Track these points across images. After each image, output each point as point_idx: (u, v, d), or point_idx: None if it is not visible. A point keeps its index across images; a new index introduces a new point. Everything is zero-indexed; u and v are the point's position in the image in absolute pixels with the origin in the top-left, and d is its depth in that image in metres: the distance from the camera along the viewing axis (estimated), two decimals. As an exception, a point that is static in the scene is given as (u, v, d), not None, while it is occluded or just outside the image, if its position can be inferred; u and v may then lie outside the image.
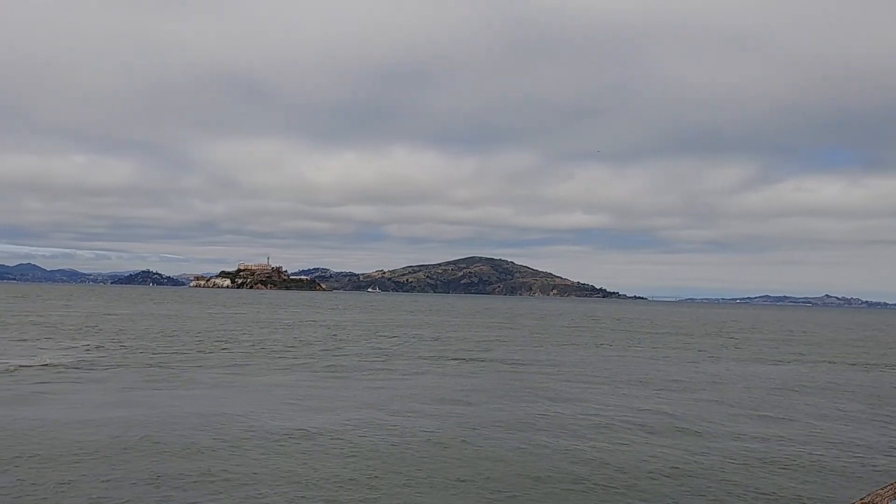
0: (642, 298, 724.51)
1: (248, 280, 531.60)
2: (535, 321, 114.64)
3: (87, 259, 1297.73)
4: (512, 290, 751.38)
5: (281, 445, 20.13)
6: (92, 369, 35.85)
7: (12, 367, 35.27)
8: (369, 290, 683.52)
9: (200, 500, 15.17)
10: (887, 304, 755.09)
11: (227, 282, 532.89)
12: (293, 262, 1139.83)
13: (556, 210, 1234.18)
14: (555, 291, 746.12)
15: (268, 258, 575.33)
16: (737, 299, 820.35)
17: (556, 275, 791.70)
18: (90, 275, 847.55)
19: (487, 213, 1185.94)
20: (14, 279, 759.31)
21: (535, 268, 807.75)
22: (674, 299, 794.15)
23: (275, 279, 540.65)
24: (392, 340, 61.94)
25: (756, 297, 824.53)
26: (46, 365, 36.76)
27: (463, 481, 17.19)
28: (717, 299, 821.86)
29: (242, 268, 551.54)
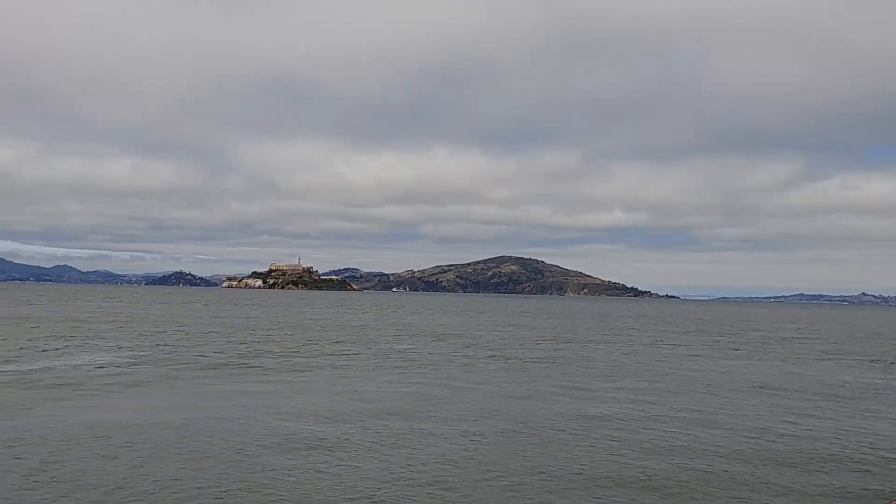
0: (674, 297, 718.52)
1: (280, 280, 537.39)
2: (565, 320, 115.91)
3: (122, 260, 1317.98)
4: (542, 290, 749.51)
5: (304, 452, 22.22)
6: (139, 370, 38.35)
7: (72, 367, 37.88)
8: (394, 289, 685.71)
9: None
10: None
11: (259, 282, 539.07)
12: (325, 262, 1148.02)
13: (593, 209, 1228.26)
14: (585, 291, 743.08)
15: (299, 258, 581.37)
16: (770, 298, 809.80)
17: (587, 274, 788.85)
18: (125, 276, 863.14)
19: (524, 212, 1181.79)
20: (51, 280, 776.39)
21: (565, 267, 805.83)
22: (706, 298, 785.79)
23: (305, 279, 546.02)
24: (425, 340, 64.06)
25: (791, 296, 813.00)
26: (111, 366, 39.30)
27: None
28: (751, 298, 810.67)
29: (274, 268, 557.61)
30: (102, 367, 37.97)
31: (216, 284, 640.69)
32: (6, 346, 47.83)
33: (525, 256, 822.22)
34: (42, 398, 28.13)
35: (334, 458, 19.70)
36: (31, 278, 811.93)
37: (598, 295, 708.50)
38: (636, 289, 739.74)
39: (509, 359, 49.21)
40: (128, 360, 42.16)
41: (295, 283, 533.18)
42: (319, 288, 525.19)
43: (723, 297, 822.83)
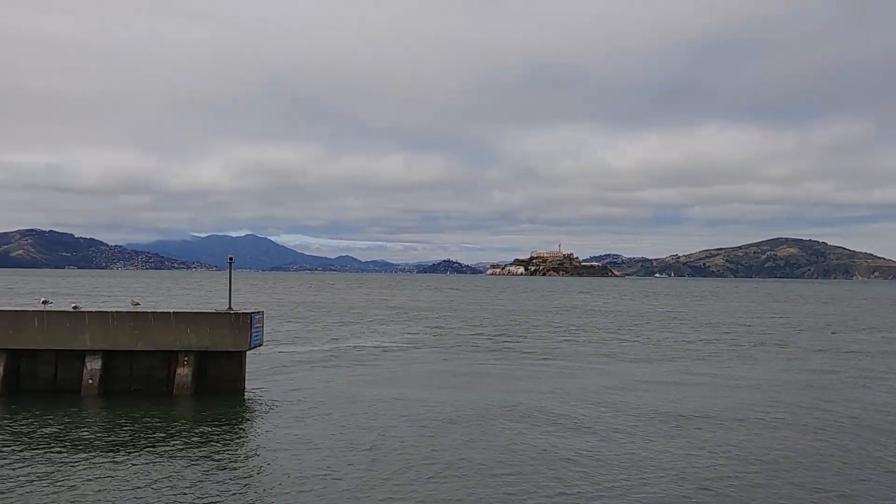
0: None
1: (541, 267, 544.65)
2: None
3: (396, 251, 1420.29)
4: (825, 274, 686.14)
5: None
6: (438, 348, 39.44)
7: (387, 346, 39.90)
8: (657, 275, 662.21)
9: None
10: None
11: (521, 269, 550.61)
12: (585, 248, 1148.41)
13: (886, 183, 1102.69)
14: (877, 274, 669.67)
15: (559, 245, 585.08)
16: None
17: (879, 255, 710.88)
18: (398, 265, 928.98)
19: (803, 190, 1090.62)
20: (335, 269, 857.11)
21: (852, 248, 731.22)
22: None
23: (566, 266, 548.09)
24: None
25: None
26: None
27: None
28: None
29: (535, 255, 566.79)
30: (387, 348, 40.40)
31: (480, 272, 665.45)
32: (312, 328, 53.07)
33: (804, 238, 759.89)
34: (344, 373, 30.55)
35: (619, 455, 17.61)
36: (318, 268, 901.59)
37: (894, 279, 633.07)
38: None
39: (786, 346, 44.30)
40: (410, 342, 44.15)
41: (556, 270, 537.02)
42: (580, 274, 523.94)
43: None
